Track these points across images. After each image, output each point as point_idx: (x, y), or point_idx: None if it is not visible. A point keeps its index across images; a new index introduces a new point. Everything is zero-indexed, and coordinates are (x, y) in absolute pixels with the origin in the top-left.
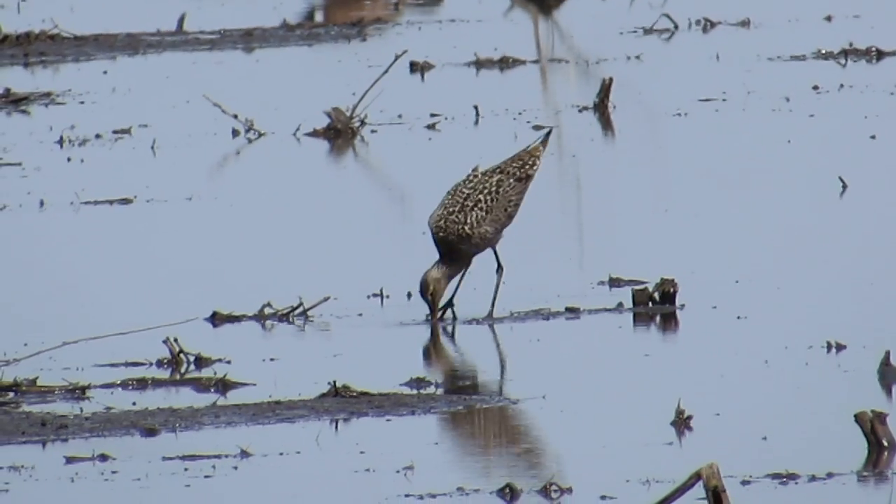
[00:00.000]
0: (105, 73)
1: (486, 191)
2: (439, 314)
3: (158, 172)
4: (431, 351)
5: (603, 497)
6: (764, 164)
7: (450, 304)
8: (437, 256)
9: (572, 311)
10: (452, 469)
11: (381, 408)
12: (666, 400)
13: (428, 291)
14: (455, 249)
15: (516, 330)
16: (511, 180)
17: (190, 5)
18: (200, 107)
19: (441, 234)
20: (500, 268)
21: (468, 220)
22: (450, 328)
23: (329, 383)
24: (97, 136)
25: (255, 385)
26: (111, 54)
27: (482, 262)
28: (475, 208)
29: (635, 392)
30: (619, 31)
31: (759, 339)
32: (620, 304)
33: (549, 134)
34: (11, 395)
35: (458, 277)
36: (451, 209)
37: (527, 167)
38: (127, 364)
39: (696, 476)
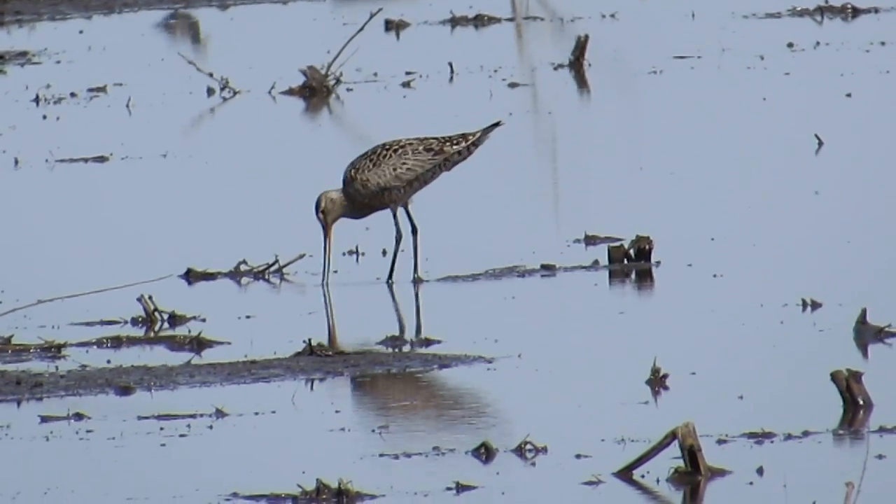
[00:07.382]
0: (81, 32)
1: (391, 147)
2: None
3: (134, 130)
4: (406, 310)
5: (578, 456)
6: (739, 121)
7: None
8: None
9: (548, 269)
10: (427, 428)
11: (356, 367)
12: (641, 358)
13: (319, 209)
14: (345, 187)
15: (491, 287)
16: (421, 147)
17: None
18: (175, 65)
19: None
20: (398, 233)
21: (357, 165)
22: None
23: (304, 342)
24: (72, 94)
25: (230, 343)
26: (87, 13)
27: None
28: (367, 158)
29: (611, 351)
30: None
31: (735, 297)
32: (596, 262)
33: (496, 125)
34: None
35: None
36: (363, 155)
37: (447, 143)
38: (102, 322)
39: (672, 435)
